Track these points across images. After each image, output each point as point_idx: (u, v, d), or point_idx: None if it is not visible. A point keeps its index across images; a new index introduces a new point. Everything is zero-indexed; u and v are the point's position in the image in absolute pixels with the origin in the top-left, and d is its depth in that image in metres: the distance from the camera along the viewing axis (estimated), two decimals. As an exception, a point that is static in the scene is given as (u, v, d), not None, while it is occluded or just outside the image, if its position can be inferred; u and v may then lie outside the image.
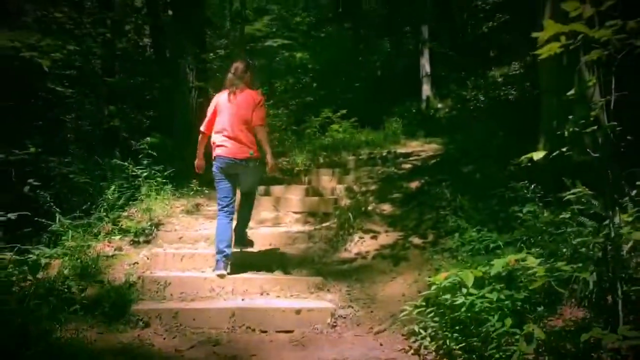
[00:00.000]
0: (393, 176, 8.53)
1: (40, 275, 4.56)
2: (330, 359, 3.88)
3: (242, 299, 4.89)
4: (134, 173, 7.09)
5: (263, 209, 7.62)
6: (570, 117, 3.46)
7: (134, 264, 5.59)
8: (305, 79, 18.33)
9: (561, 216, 4.45)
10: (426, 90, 16.90)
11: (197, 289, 5.00)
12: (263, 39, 15.09)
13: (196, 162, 5.60)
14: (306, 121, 13.80)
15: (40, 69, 7.63)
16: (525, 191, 5.39)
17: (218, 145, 5.26)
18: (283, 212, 7.60)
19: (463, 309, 3.58)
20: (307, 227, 6.92)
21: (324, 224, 6.85)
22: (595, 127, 3.23)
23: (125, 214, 6.59)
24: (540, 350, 3.21)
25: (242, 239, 5.68)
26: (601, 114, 3.41)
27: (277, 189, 8.56)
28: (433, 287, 3.86)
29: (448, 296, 3.73)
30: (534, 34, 2.85)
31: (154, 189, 7.10)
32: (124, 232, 6.18)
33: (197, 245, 6.10)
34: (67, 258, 5.30)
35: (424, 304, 4.00)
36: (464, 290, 3.66)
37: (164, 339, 4.24)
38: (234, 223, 5.45)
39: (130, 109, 12.14)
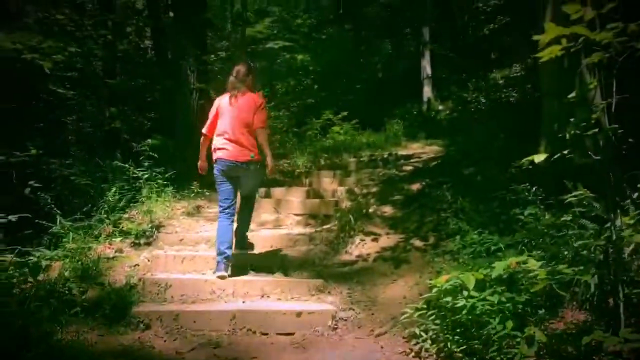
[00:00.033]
0: (394, 178, 8.53)
1: (40, 277, 4.57)
2: (331, 361, 3.87)
3: (243, 301, 4.88)
4: (135, 175, 7.09)
5: (264, 211, 7.62)
6: (572, 119, 3.46)
7: (134, 266, 5.59)
8: (307, 80, 18.32)
9: (562, 219, 4.45)
10: (427, 92, 16.92)
11: (198, 291, 5.00)
12: (264, 41, 15.10)
13: (199, 163, 5.63)
14: (307, 123, 13.80)
15: (42, 70, 7.64)
16: (527, 194, 5.38)
17: (219, 148, 5.28)
18: (284, 214, 7.60)
19: (464, 312, 3.58)
20: (308, 230, 6.91)
21: (324, 226, 6.84)
22: (597, 130, 3.23)
23: (126, 215, 6.59)
24: (541, 353, 3.21)
25: (242, 242, 5.71)
26: (602, 117, 3.41)
27: (278, 191, 8.55)
28: (434, 290, 3.86)
29: (449, 299, 3.73)
30: (535, 37, 2.85)
31: (154, 191, 7.10)
32: (125, 234, 6.18)
33: (198, 247, 6.10)
34: (67, 260, 5.30)
35: (425, 306, 3.99)
36: (465, 293, 3.65)
37: (165, 341, 4.24)
38: (235, 226, 5.47)
39: (131, 111, 12.14)
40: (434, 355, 3.73)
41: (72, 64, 10.11)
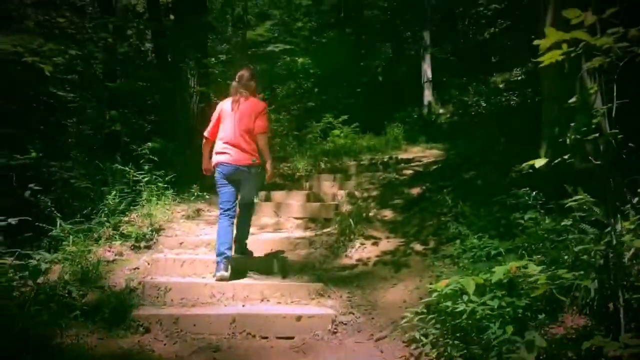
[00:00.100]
0: (394, 182, 8.53)
1: (40, 280, 4.55)
2: (330, 365, 3.87)
3: (243, 305, 4.88)
4: (135, 178, 7.10)
5: (264, 215, 7.62)
6: (572, 124, 3.46)
7: (134, 269, 5.58)
8: (307, 84, 18.35)
9: (563, 223, 4.44)
10: (428, 95, 16.95)
11: (198, 294, 4.99)
12: (265, 44, 15.12)
13: (203, 166, 5.65)
14: (308, 126, 13.81)
15: (42, 73, 7.65)
16: (527, 198, 5.37)
17: (221, 153, 5.34)
18: (284, 217, 7.60)
19: (464, 316, 3.57)
20: (308, 233, 6.92)
21: (325, 230, 6.84)
22: (597, 135, 3.23)
23: (126, 219, 6.58)
24: (541, 358, 3.19)
25: (242, 248, 5.74)
26: (603, 122, 3.40)
27: (278, 195, 8.56)
28: (434, 294, 3.85)
29: (449, 303, 3.72)
30: (536, 42, 2.85)
31: (155, 194, 7.10)
32: (125, 237, 6.18)
33: (198, 250, 6.10)
34: (67, 263, 5.29)
35: (425, 310, 3.99)
36: (465, 298, 3.65)
37: (165, 344, 4.23)
38: (234, 230, 5.48)
39: (131, 114, 12.18)
40: (434, 360, 3.72)
41: (73, 66, 10.15)
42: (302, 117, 14.91)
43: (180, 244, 6.22)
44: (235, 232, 5.53)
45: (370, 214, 6.99)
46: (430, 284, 4.23)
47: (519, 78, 15.27)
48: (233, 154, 5.29)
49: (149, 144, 8.42)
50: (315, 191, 8.80)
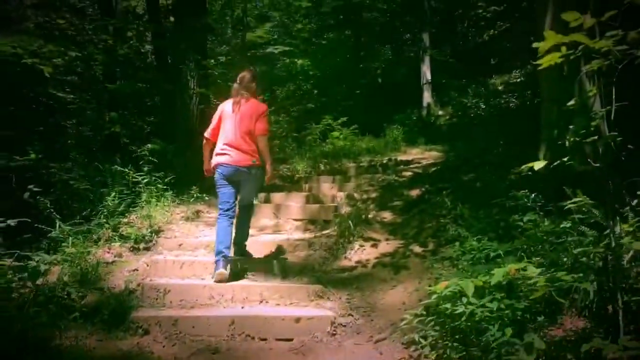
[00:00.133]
0: (393, 184, 8.54)
1: (39, 281, 4.55)
2: (329, 367, 3.87)
3: (242, 307, 4.88)
4: (134, 179, 7.10)
5: (263, 216, 7.63)
6: (571, 126, 3.46)
7: (133, 270, 5.58)
8: (306, 85, 18.37)
9: (562, 225, 4.45)
10: (427, 97, 16.96)
11: (197, 296, 4.99)
12: (264, 46, 15.15)
13: (205, 167, 5.67)
14: (307, 128, 13.83)
15: (42, 75, 7.65)
16: (526, 200, 5.37)
17: (221, 154, 5.37)
18: (283, 219, 7.60)
19: (463, 318, 3.57)
20: (307, 235, 6.92)
21: (324, 232, 6.85)
22: (596, 137, 3.23)
23: (126, 220, 6.58)
24: (540, 360, 3.20)
25: (241, 250, 5.75)
26: (602, 124, 3.40)
27: (277, 196, 8.56)
28: (433, 296, 3.85)
29: (448, 305, 3.72)
30: (535, 44, 2.86)
31: (154, 196, 7.10)
32: (124, 238, 6.17)
33: (197, 252, 6.10)
34: (66, 264, 5.29)
35: (424, 312, 3.99)
36: (464, 300, 3.65)
37: (164, 346, 4.23)
38: (233, 231, 5.48)
39: (131, 115, 12.17)
40: (433, 362, 3.72)
41: (73, 68, 10.16)
42: (301, 118, 14.94)
43: (180, 245, 6.22)
44: (234, 233, 5.53)
45: (370, 216, 6.99)
46: (430, 286, 4.22)
47: (518, 80, 15.30)
48: (233, 155, 5.32)
49: (149, 145, 8.42)
50: (315, 193, 8.81)
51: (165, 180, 7.37)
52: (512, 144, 8.14)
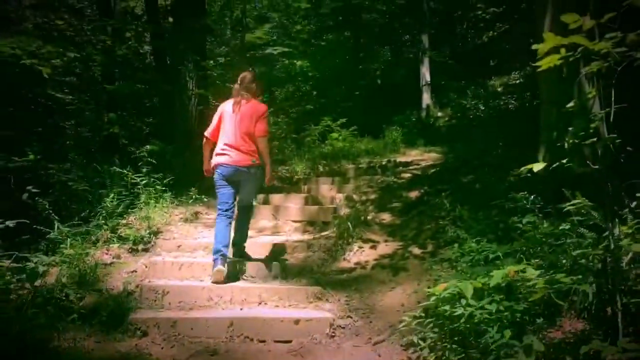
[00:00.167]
0: (392, 185, 8.53)
1: (38, 283, 4.54)
2: (328, 369, 3.86)
3: (241, 309, 4.87)
4: (133, 181, 7.09)
5: (262, 218, 7.62)
6: (570, 128, 3.46)
7: (132, 272, 5.57)
8: (306, 87, 18.36)
9: (561, 227, 4.45)
10: (426, 99, 16.97)
11: (196, 297, 4.98)
12: (263, 47, 15.14)
13: (204, 167, 5.66)
14: (306, 129, 13.82)
15: (40, 75, 7.64)
16: (525, 202, 5.37)
17: (221, 154, 5.38)
18: (282, 220, 7.59)
19: (462, 320, 3.56)
20: (306, 236, 6.91)
21: (323, 233, 6.84)
22: (595, 139, 3.23)
23: (124, 221, 6.56)
24: (539, 362, 3.20)
25: (240, 252, 5.74)
26: (601, 126, 3.41)
27: (276, 198, 8.55)
28: (432, 298, 3.84)
29: (447, 307, 3.71)
30: (534, 46, 2.86)
31: (153, 197, 7.09)
32: (123, 240, 6.16)
33: (196, 253, 6.09)
34: (65, 266, 5.27)
35: (423, 314, 3.98)
36: (463, 301, 3.64)
37: (162, 348, 4.22)
38: (232, 231, 5.47)
39: (130, 116, 12.16)
40: (432, 364, 3.72)
41: (71, 69, 10.15)
42: (300, 120, 14.92)
43: (178, 247, 6.21)
44: (233, 234, 5.53)
45: (369, 218, 6.99)
46: (429, 287, 4.22)
47: (518, 82, 15.31)
48: (233, 155, 5.33)
49: (148, 146, 8.42)
50: (314, 194, 8.80)
51: (164, 181, 7.36)
52: (511, 146, 8.15)
